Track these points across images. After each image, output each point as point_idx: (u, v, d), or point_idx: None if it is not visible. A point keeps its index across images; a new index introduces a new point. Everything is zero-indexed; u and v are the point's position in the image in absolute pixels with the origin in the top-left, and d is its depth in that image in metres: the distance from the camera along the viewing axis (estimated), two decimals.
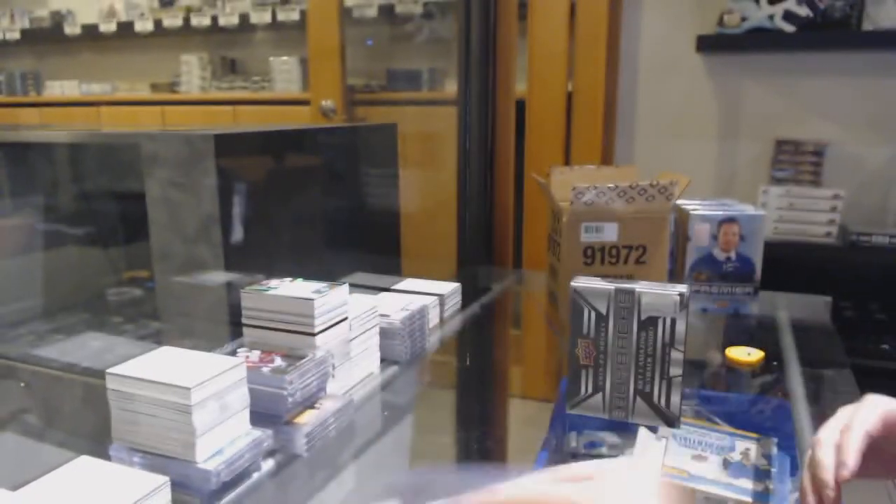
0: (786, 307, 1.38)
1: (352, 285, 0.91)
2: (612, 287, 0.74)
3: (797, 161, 2.12)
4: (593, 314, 0.75)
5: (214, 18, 3.30)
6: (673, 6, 2.23)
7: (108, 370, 0.69)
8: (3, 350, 1.22)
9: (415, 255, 2.62)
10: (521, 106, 2.13)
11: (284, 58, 3.19)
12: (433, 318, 1.16)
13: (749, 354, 1.12)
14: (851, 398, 1.02)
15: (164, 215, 1.07)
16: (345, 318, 0.89)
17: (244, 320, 0.88)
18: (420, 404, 1.09)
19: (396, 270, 1.60)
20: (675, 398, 0.82)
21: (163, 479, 0.62)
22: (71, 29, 3.68)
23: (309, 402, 0.81)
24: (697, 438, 0.80)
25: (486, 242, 1.90)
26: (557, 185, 1.34)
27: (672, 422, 0.83)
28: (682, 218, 1.36)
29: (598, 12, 2.19)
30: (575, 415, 0.87)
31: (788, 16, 1.97)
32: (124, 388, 0.68)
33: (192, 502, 0.66)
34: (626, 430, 0.85)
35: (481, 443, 1.03)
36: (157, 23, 3.44)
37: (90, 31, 3.63)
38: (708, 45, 2.12)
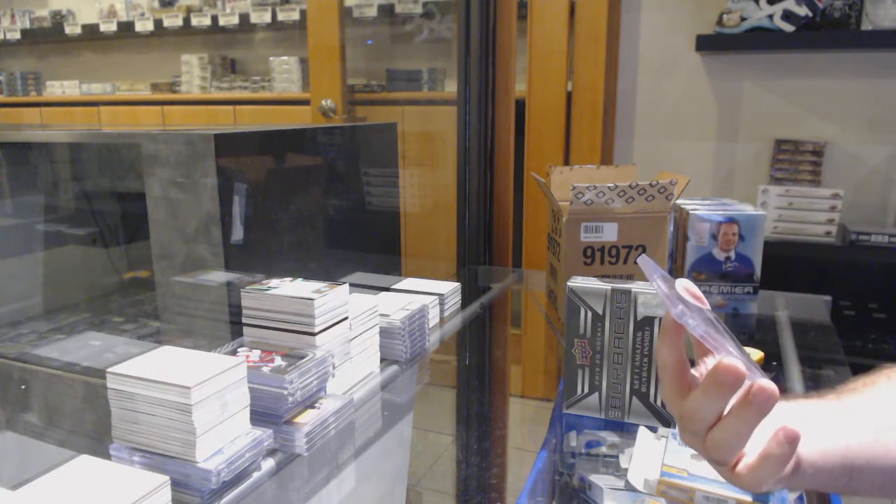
0: (785, 307, 1.38)
1: (352, 285, 0.91)
2: (609, 287, 0.74)
3: (796, 161, 2.12)
4: (590, 314, 0.75)
5: (214, 18, 3.30)
6: (672, 6, 2.24)
7: (109, 369, 0.69)
8: (3, 350, 1.22)
9: (415, 254, 2.63)
10: (520, 105, 2.14)
11: (284, 58, 3.20)
12: (433, 318, 1.16)
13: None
14: None
15: (165, 215, 1.08)
16: (345, 318, 0.89)
17: (244, 320, 0.88)
18: (420, 404, 1.09)
19: (396, 270, 1.60)
20: None
21: (163, 479, 0.62)
22: (71, 29, 3.69)
23: (309, 402, 0.81)
24: None
25: (486, 242, 1.91)
26: (557, 184, 1.34)
27: (668, 422, 0.83)
28: (682, 218, 1.36)
29: (598, 12, 2.19)
30: (574, 414, 0.87)
31: (788, 15, 1.97)
32: (125, 387, 0.69)
33: (192, 501, 0.66)
34: (626, 430, 0.86)
35: (481, 442, 1.03)
36: (158, 23, 3.44)
37: (90, 31, 3.64)
38: (707, 44, 2.12)
